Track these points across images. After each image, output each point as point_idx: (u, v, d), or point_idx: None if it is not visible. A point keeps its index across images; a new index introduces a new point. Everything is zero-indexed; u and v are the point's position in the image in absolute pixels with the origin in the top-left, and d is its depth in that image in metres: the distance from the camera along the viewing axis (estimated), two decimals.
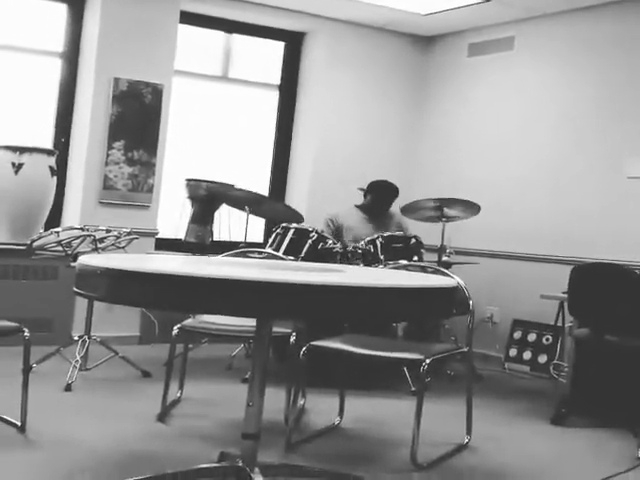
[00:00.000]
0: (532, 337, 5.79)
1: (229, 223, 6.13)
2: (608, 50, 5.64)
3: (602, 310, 4.22)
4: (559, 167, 5.86)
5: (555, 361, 5.56)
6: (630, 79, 5.49)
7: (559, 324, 5.57)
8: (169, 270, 2.56)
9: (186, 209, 5.99)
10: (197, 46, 6.43)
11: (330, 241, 5.12)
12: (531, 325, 5.82)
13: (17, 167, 5.25)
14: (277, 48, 6.77)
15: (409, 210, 5.62)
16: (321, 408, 4.14)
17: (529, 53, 6.19)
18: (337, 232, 5.66)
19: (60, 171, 5.68)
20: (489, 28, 6.44)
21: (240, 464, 2.93)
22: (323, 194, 6.51)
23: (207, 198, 5.79)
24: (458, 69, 6.71)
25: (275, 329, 3.55)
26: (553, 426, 4.24)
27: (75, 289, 2.69)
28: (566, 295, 4.41)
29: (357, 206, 5.82)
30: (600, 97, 5.67)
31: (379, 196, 5.72)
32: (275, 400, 3.76)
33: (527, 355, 5.77)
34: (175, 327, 3.85)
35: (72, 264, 4.26)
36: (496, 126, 6.35)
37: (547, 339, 5.70)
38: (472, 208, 5.47)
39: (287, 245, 5.08)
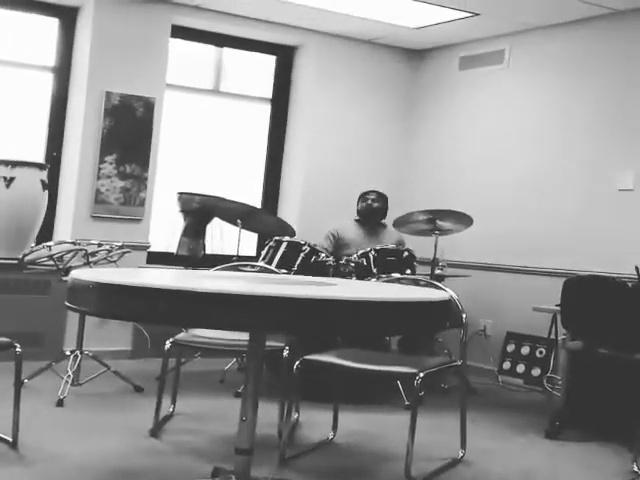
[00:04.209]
0: (525, 350, 5.78)
1: (221, 236, 6.12)
2: (599, 63, 5.67)
3: (595, 323, 4.22)
4: (550, 180, 5.87)
5: (549, 374, 5.56)
6: (621, 92, 5.51)
7: (552, 337, 5.57)
8: (161, 284, 2.55)
9: (178, 222, 5.97)
10: (189, 60, 6.44)
11: (323, 254, 5.13)
12: (524, 338, 5.81)
13: (8, 181, 5.23)
14: (268, 62, 6.78)
15: (401, 223, 5.63)
16: (315, 422, 4.13)
17: (519, 66, 6.21)
18: (337, 246, 5.68)
19: (52, 185, 5.66)
20: (480, 42, 6.47)
21: (233, 479, 2.92)
22: (315, 207, 6.51)
23: (199, 211, 5.78)
24: (449, 82, 6.73)
25: (268, 343, 3.54)
26: (547, 440, 4.23)
27: (67, 303, 2.67)
28: (559, 308, 4.40)
29: (355, 221, 5.85)
30: (591, 110, 5.69)
31: (366, 201, 5.76)
32: (268, 414, 3.74)
33: (520, 368, 5.76)
34: (167, 341, 3.83)
35: (64, 278, 4.25)
36: (487, 139, 6.36)
37: (540, 352, 5.69)
38: (465, 220, 5.48)
39: (280, 258, 5.08)
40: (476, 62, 6.51)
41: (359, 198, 5.86)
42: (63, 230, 5.76)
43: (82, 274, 2.65)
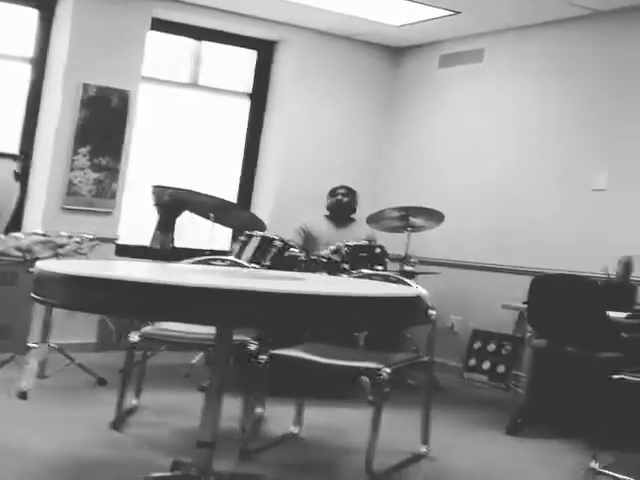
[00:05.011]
0: (492, 347, 5.82)
1: (194, 230, 6.11)
2: (575, 64, 5.70)
3: (560, 321, 4.26)
4: (524, 178, 5.91)
5: (514, 371, 5.60)
6: (596, 93, 5.55)
7: (519, 334, 5.61)
8: (128, 277, 2.55)
9: (152, 215, 5.95)
10: (167, 53, 6.42)
11: (294, 249, 5.14)
12: (491, 335, 5.85)
13: None
14: (248, 56, 6.77)
15: (375, 220, 5.65)
16: (280, 417, 4.13)
17: (497, 65, 6.24)
18: (307, 240, 5.69)
19: (25, 176, 5.64)
20: (460, 40, 6.49)
21: (194, 473, 2.92)
22: (289, 203, 6.51)
23: (172, 205, 5.77)
24: (429, 80, 6.75)
25: (235, 337, 3.54)
26: (509, 436, 4.27)
27: (33, 295, 2.66)
28: (526, 305, 4.44)
29: (326, 216, 5.87)
30: (567, 109, 5.73)
31: (335, 196, 5.81)
32: (233, 408, 3.75)
33: (486, 365, 5.80)
34: (133, 334, 3.82)
35: (32, 270, 4.22)
36: (464, 137, 6.39)
37: (506, 349, 5.73)
38: (436, 217, 5.52)
39: (252, 253, 5.08)
40: (456, 60, 6.54)
41: (328, 194, 5.89)
42: (33, 221, 5.73)
43: (48, 265, 2.65)
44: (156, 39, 6.23)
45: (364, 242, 5.34)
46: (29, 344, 4.79)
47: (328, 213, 5.88)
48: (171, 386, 4.81)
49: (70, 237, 4.66)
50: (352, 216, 5.89)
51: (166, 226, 5.77)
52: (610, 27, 5.51)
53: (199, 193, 5.54)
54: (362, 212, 5.85)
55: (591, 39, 5.62)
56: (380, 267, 5.17)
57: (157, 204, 5.85)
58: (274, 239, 5.14)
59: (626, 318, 4.17)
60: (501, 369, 5.70)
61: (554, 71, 5.84)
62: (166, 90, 6.43)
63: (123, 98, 5.85)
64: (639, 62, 5.33)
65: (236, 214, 5.66)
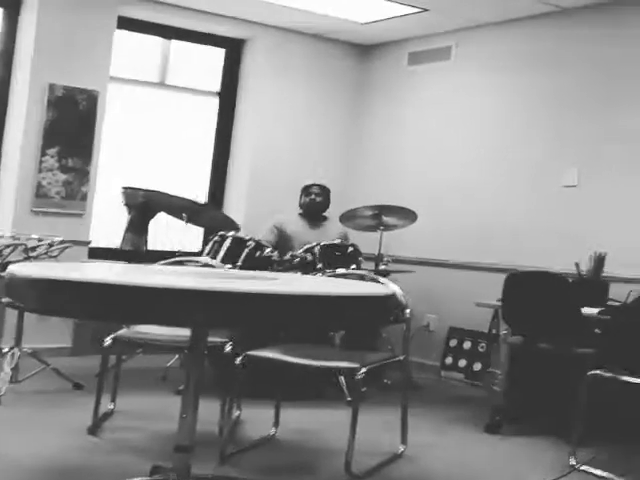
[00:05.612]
0: (467, 345, 5.85)
1: (166, 231, 6.06)
2: (544, 60, 5.74)
3: (535, 318, 4.28)
4: (495, 175, 5.94)
5: (490, 369, 5.62)
6: (565, 89, 5.59)
7: (494, 332, 5.63)
8: (101, 279, 2.50)
9: (123, 217, 5.89)
10: (135, 52, 6.35)
11: (267, 249, 5.11)
12: (466, 333, 5.88)
13: None
14: (217, 55, 6.73)
15: (347, 218, 5.65)
16: (257, 419, 4.11)
17: (465, 63, 6.27)
18: (281, 239, 5.67)
19: None
20: (428, 38, 6.50)
21: (173, 477, 2.89)
22: (261, 202, 6.49)
23: (144, 206, 5.71)
24: (398, 78, 6.76)
25: (210, 339, 3.51)
26: (487, 434, 4.28)
27: (4, 299, 2.61)
28: (500, 303, 4.45)
29: (299, 214, 5.84)
30: (536, 106, 5.76)
31: (309, 196, 5.78)
32: (210, 411, 3.72)
33: (462, 363, 5.82)
34: (108, 337, 3.77)
35: (2, 274, 4.15)
36: (434, 136, 6.41)
37: (482, 347, 5.76)
38: (410, 216, 5.52)
39: (224, 253, 5.05)
40: (424, 58, 6.55)
41: (302, 192, 5.86)
42: (2, 224, 5.64)
43: (20, 269, 2.60)
44: (123, 38, 6.16)
45: (337, 241, 5.33)
46: (3, 348, 4.71)
47: (301, 211, 5.85)
48: (147, 389, 4.77)
49: (40, 240, 4.60)
50: (325, 214, 5.87)
51: (138, 228, 5.72)
52: (577, 24, 5.54)
53: (171, 195, 5.50)
54: (333, 210, 5.84)
55: (558, 36, 5.66)
56: (354, 266, 5.16)
57: (128, 205, 5.79)
58: (247, 239, 5.11)
59: (599, 314, 4.20)
60: (477, 367, 5.73)
61: (522, 68, 5.88)
62: (134, 90, 6.36)
63: (91, 99, 5.77)
64: (606, 58, 5.38)
65: (209, 215, 5.62)
